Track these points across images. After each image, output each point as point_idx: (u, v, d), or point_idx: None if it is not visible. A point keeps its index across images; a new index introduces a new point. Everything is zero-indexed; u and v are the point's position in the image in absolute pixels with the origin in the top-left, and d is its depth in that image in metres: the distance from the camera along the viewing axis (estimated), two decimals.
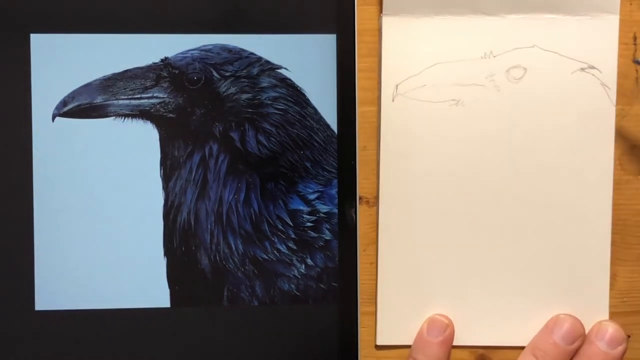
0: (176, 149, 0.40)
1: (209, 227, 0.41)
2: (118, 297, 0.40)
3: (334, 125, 0.41)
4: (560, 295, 0.41)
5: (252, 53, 0.40)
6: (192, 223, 0.41)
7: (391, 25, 0.40)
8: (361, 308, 0.41)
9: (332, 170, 0.41)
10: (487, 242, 0.41)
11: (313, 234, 0.41)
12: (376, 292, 0.41)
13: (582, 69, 0.40)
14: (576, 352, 0.40)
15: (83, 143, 0.40)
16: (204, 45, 0.40)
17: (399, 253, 0.41)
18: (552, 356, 0.39)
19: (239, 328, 0.41)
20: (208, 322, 0.41)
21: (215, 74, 0.40)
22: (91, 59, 0.40)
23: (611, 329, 0.39)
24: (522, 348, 0.41)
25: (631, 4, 0.41)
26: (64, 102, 0.40)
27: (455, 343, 0.41)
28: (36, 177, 0.40)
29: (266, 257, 0.41)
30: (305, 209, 0.41)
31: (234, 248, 0.41)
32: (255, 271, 0.41)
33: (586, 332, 0.40)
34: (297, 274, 0.41)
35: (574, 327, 0.40)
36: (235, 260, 0.41)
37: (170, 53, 0.40)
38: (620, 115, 0.41)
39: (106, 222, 0.40)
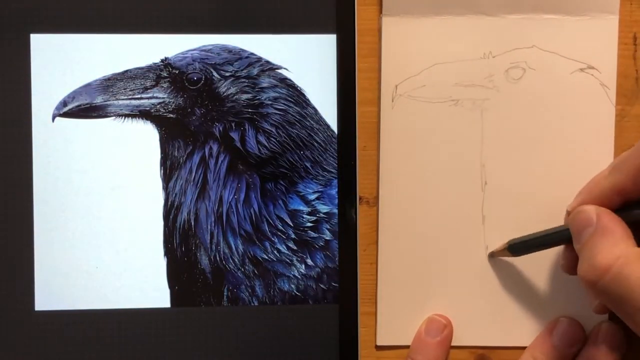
0: (176, 149, 0.41)
1: (209, 227, 0.41)
2: (118, 297, 0.40)
3: (334, 125, 0.41)
4: (560, 295, 0.41)
5: (252, 53, 0.41)
6: (192, 223, 0.41)
7: (391, 26, 0.40)
8: (361, 308, 0.41)
9: (332, 170, 0.41)
10: (486, 242, 0.41)
11: (313, 234, 0.41)
12: (376, 292, 0.41)
13: (582, 69, 0.41)
14: (576, 355, 0.40)
15: (83, 143, 0.40)
16: (204, 45, 0.40)
17: (399, 253, 0.41)
18: (551, 359, 0.39)
19: (239, 328, 0.41)
20: (208, 322, 0.41)
21: (215, 74, 0.40)
22: (91, 59, 0.40)
23: (611, 331, 0.39)
24: (522, 348, 0.41)
25: (631, 4, 0.41)
26: (64, 102, 0.40)
27: (454, 343, 0.41)
28: (36, 177, 0.40)
29: (266, 257, 0.41)
30: (305, 209, 0.41)
31: (234, 248, 0.41)
32: (255, 271, 0.41)
33: (586, 332, 0.40)
34: (297, 274, 0.41)
35: (573, 329, 0.40)
36: (235, 260, 0.41)
37: (170, 53, 0.40)
38: (620, 115, 0.41)
39: (106, 222, 0.40)
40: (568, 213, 0.37)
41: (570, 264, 0.37)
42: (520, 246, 0.39)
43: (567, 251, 0.38)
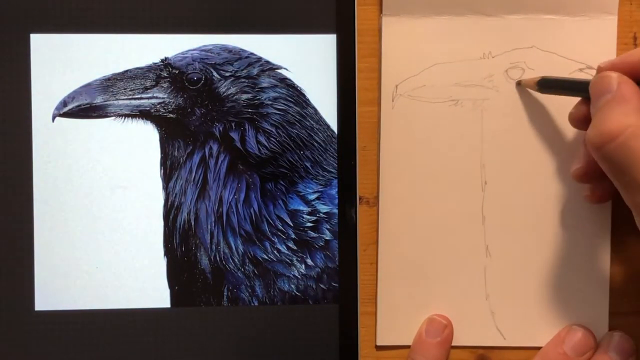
0: (176, 149, 0.41)
1: (209, 227, 0.41)
2: (118, 297, 0.40)
3: (334, 125, 0.41)
4: (559, 295, 0.41)
5: (252, 53, 0.41)
6: (192, 223, 0.41)
7: (391, 26, 0.40)
8: (361, 308, 0.41)
9: (332, 170, 0.41)
10: (486, 242, 0.41)
11: (313, 234, 0.41)
12: (376, 292, 0.41)
13: (581, 70, 0.41)
14: None
15: (83, 143, 0.40)
16: (204, 45, 0.40)
17: (399, 253, 0.41)
18: None
19: (239, 328, 0.41)
20: (208, 322, 0.41)
21: (215, 74, 0.40)
22: (91, 59, 0.40)
23: (622, 340, 0.39)
24: (522, 349, 0.41)
25: (631, 4, 0.41)
26: (64, 102, 0.40)
27: (455, 343, 0.41)
28: (36, 177, 0.40)
29: (266, 257, 0.41)
30: (305, 209, 0.41)
31: (234, 248, 0.41)
32: (255, 271, 0.41)
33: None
34: (297, 274, 0.41)
35: (585, 338, 0.40)
36: (235, 260, 0.41)
37: (170, 53, 0.40)
38: None
39: (106, 222, 0.40)
40: (599, 69, 0.36)
41: (578, 116, 0.37)
42: (550, 83, 0.39)
43: (581, 104, 0.37)
